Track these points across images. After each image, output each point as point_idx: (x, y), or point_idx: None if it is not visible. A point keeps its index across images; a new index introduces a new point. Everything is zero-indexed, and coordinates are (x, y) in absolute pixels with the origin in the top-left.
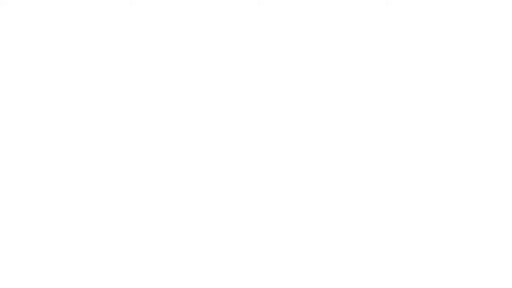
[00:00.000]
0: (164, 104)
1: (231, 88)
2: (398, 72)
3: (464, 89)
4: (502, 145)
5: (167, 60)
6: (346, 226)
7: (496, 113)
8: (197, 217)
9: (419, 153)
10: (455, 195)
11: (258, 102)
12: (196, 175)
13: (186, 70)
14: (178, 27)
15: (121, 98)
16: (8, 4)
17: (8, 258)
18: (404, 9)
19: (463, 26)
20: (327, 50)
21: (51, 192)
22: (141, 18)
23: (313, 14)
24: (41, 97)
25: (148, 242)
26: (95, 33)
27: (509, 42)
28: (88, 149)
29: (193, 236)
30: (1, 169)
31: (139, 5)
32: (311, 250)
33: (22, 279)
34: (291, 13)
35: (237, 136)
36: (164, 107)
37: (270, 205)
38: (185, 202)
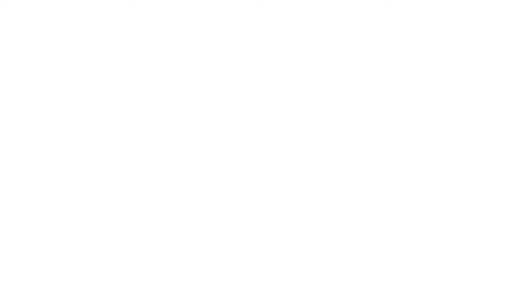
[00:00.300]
0: (164, 104)
1: (231, 88)
2: (398, 72)
3: (464, 89)
4: (502, 145)
5: (167, 60)
6: (346, 226)
7: (496, 113)
8: (197, 217)
9: (419, 153)
10: (455, 195)
11: (258, 101)
12: (196, 175)
13: (186, 70)
14: (178, 27)
15: (121, 98)
16: (8, 4)
17: (8, 258)
18: (404, 9)
19: (463, 26)
20: (327, 50)
21: (51, 192)
22: (141, 18)
23: (313, 14)
24: (41, 96)
25: (148, 242)
26: (95, 33)
27: (509, 42)
28: (88, 148)
29: (193, 236)
30: (1, 169)
31: (139, 5)
32: (311, 250)
33: (22, 279)
34: (291, 13)
35: (237, 136)
36: (164, 107)
37: (270, 205)
38: (185, 202)
